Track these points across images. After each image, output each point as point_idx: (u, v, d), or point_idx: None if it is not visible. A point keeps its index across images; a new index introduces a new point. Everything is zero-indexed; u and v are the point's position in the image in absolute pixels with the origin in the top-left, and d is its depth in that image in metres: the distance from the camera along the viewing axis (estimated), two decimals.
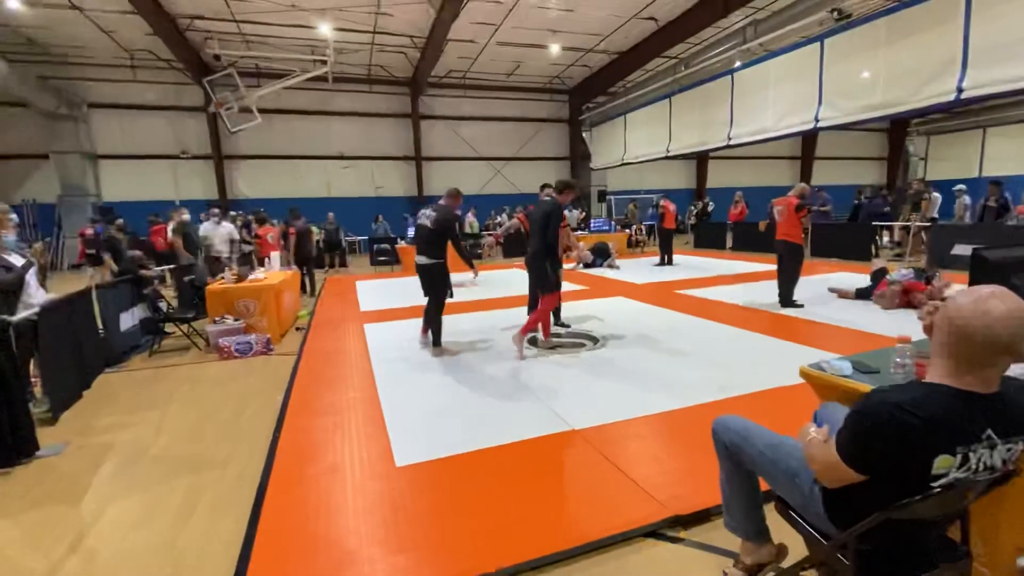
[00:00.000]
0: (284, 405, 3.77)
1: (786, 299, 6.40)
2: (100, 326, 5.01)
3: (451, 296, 5.01)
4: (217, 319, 5.46)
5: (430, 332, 5.04)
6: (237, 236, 8.10)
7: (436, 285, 4.87)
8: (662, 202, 11.20)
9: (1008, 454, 1.15)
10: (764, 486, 1.68)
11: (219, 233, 7.85)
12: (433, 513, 2.37)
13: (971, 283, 2.01)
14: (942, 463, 1.11)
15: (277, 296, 5.86)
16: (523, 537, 2.16)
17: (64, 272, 13.34)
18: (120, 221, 8.83)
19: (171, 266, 7.97)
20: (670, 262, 11.15)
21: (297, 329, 6.34)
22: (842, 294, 6.94)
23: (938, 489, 1.13)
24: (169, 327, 5.94)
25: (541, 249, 4.72)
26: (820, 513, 1.37)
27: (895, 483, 1.17)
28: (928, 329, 1.25)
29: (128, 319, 5.57)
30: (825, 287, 7.43)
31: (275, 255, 7.02)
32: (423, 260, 4.84)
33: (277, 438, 3.21)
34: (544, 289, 4.84)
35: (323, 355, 5.12)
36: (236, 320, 5.47)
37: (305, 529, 2.29)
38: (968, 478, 1.14)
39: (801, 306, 6.30)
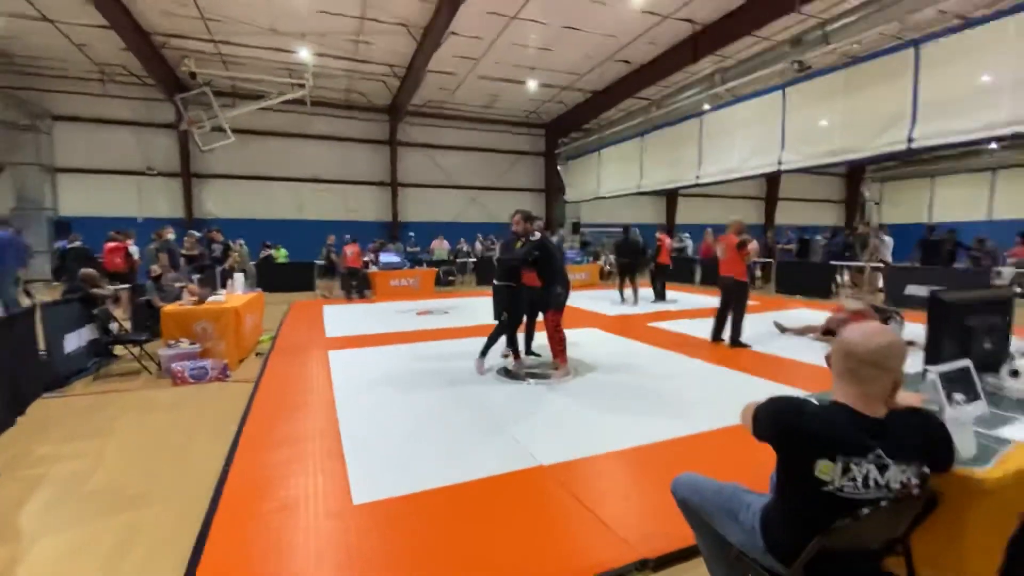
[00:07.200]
0: (237, 436, 3.56)
1: (735, 339, 6.20)
2: (42, 347, 4.70)
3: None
4: (171, 342, 5.20)
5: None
6: None
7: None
8: (658, 235, 10.79)
9: (903, 476, 1.29)
10: None
11: None
12: (388, 556, 2.23)
13: (929, 322, 2.10)
14: (824, 468, 1.27)
15: (238, 319, 5.62)
16: None
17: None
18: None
19: (126, 285, 7.58)
20: (662, 298, 10.61)
21: (257, 355, 6.09)
22: (799, 331, 6.82)
23: (866, 510, 1.26)
24: (119, 350, 5.63)
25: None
26: (761, 547, 1.45)
27: (793, 483, 1.36)
28: (828, 359, 1.44)
29: (75, 340, 5.24)
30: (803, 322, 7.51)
31: (239, 276, 6.79)
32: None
33: (227, 472, 3.01)
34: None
35: (283, 383, 4.90)
36: (192, 344, 5.22)
37: (250, 573, 2.11)
38: (858, 490, 1.27)
39: (748, 346, 6.17)
